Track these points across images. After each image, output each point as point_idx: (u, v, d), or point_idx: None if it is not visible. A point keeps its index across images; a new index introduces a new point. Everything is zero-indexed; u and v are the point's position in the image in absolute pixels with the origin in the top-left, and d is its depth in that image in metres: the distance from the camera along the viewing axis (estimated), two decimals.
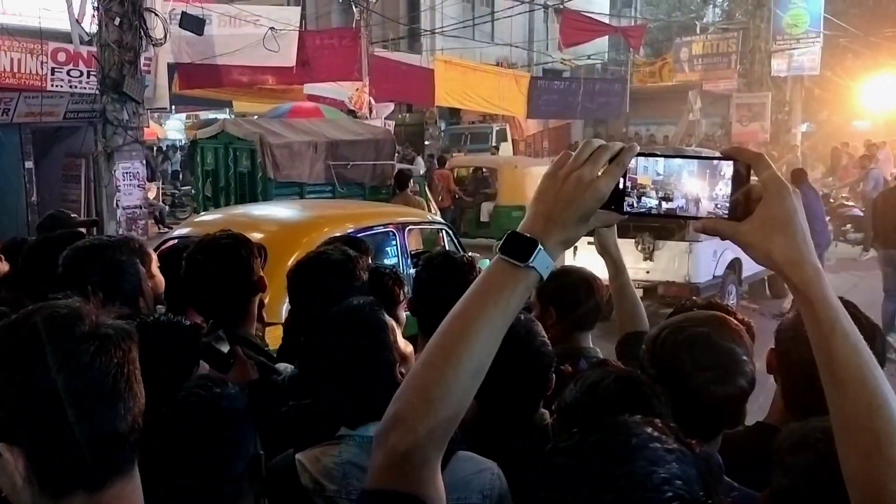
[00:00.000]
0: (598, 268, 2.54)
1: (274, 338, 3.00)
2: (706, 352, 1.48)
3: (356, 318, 1.66)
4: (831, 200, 13.49)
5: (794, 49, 20.84)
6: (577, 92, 18.10)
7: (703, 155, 1.00)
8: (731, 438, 1.60)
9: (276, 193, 9.08)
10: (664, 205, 0.98)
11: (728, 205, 0.95)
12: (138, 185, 8.30)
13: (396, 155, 11.16)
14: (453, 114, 23.55)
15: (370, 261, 3.46)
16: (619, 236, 2.13)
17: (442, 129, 23.69)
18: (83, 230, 2.82)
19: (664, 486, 0.74)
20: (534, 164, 15.46)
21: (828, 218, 10.80)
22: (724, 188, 0.95)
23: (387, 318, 1.69)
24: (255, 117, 13.73)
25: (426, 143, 21.97)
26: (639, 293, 9.16)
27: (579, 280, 2.56)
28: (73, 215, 4.04)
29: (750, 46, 21.26)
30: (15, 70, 9.93)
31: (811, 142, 24.47)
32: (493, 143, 21.52)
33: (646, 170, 0.98)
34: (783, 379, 1.74)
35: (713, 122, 25.45)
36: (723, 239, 0.98)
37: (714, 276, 8.16)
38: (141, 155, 8.43)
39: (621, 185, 0.98)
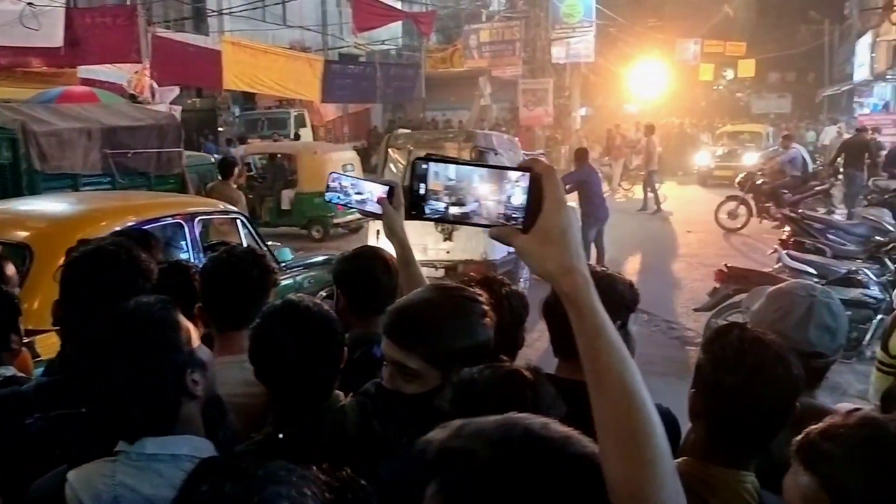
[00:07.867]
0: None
1: (48, 345, 2.70)
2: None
3: (142, 316, 1.48)
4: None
5: (570, 37, 22.40)
6: (374, 76, 18.13)
7: (502, 165, 1.00)
8: None
9: (45, 187, 8.19)
10: (455, 209, 0.98)
11: (521, 215, 0.96)
12: None
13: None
14: (248, 98, 22.62)
15: (161, 256, 3.19)
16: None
17: (236, 114, 22.68)
18: None
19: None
20: (333, 149, 15.29)
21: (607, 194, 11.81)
22: (519, 198, 0.96)
23: (181, 318, 1.54)
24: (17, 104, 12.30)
25: (220, 129, 20.93)
26: (440, 273, 9.35)
27: (374, 260, 2.37)
28: None
29: (532, 35, 22.54)
30: None
31: (590, 125, 26.51)
32: (293, 130, 20.97)
33: (436, 175, 0.98)
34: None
35: (503, 107, 26.71)
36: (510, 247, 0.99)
37: (509, 253, 8.58)
38: None
39: (421, 191, 0.98)
